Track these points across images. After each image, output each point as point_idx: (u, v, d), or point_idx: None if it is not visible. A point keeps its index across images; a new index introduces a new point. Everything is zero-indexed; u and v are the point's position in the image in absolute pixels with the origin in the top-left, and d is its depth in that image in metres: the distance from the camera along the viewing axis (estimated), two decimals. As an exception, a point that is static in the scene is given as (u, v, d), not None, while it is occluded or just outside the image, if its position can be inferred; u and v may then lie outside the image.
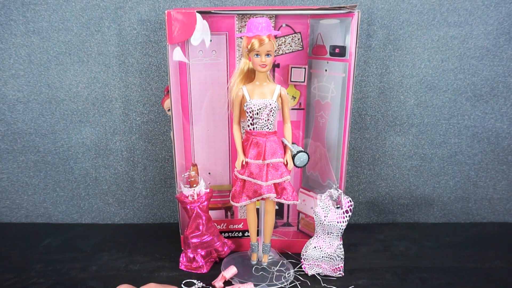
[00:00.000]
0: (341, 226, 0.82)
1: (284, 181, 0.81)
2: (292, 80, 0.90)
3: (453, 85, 1.00)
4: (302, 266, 0.87)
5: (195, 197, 0.84)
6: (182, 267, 0.87)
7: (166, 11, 0.76)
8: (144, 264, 0.89)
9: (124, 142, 1.03)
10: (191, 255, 0.86)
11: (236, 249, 0.94)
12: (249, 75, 0.80)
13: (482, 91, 1.01)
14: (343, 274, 0.85)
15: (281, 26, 0.87)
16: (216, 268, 0.88)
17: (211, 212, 0.89)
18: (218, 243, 0.88)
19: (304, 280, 0.84)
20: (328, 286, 0.82)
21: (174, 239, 0.97)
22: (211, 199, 0.87)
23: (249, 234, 0.89)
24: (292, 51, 0.89)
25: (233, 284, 0.81)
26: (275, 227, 0.93)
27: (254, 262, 0.88)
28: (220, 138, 0.92)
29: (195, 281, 0.82)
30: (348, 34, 0.80)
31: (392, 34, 0.97)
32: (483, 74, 1.00)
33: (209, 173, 0.95)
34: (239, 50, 0.87)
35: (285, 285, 0.82)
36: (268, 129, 0.79)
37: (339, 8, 0.76)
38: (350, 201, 0.83)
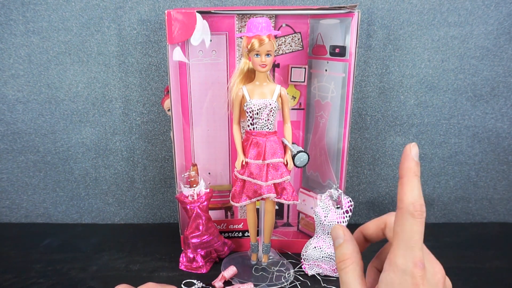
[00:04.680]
0: (341, 226, 0.82)
1: (284, 181, 0.81)
2: (292, 80, 0.90)
3: (453, 85, 1.00)
4: (302, 266, 0.87)
5: (195, 197, 0.84)
6: (182, 267, 0.87)
7: (166, 11, 0.76)
8: (144, 264, 0.89)
9: (124, 142, 1.03)
10: (191, 255, 0.86)
11: (236, 249, 0.94)
12: (249, 75, 0.80)
13: (482, 91, 1.01)
14: (343, 274, 0.85)
15: (281, 26, 0.87)
16: (216, 268, 0.88)
17: (211, 212, 0.89)
18: (218, 243, 0.88)
19: (304, 280, 0.84)
20: (328, 286, 0.82)
21: (174, 239, 0.97)
22: (211, 199, 0.87)
23: (249, 234, 0.89)
24: (292, 51, 0.89)
25: (233, 284, 0.81)
26: (275, 227, 0.93)
27: (254, 262, 0.88)
28: (220, 138, 0.92)
29: (195, 281, 0.82)
30: (348, 34, 0.80)
31: (392, 34, 0.97)
32: (483, 74, 1.00)
33: (209, 173, 0.95)
34: (239, 50, 0.87)
35: (285, 285, 0.82)
36: (268, 129, 0.79)
37: (339, 8, 0.76)
38: (350, 201, 0.83)
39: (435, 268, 0.34)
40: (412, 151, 0.34)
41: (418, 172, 0.34)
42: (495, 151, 1.05)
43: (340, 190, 0.84)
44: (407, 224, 0.32)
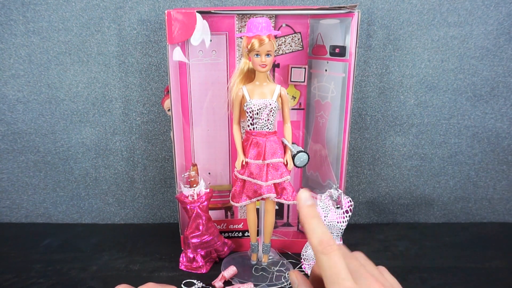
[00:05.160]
0: (341, 226, 0.82)
1: (284, 181, 0.81)
2: (292, 80, 0.90)
3: (453, 85, 1.00)
4: (302, 266, 0.87)
5: (195, 197, 0.84)
6: (182, 267, 0.87)
7: (166, 11, 0.76)
8: (144, 264, 0.89)
9: (124, 142, 1.03)
10: (191, 255, 0.86)
11: (236, 249, 0.94)
12: (249, 75, 0.80)
13: (482, 91, 1.01)
14: (343, 274, 0.85)
15: (281, 26, 0.87)
16: (216, 268, 0.88)
17: (211, 212, 0.89)
18: (218, 243, 0.88)
19: (304, 280, 0.84)
20: (328, 286, 0.82)
21: (174, 239, 0.97)
22: (211, 199, 0.87)
23: (249, 234, 0.89)
24: (292, 51, 0.89)
25: (233, 284, 0.81)
26: (275, 227, 0.93)
27: (254, 262, 0.88)
28: (220, 138, 0.92)
29: (195, 281, 0.82)
30: (348, 34, 0.80)
31: (392, 34, 0.97)
32: (483, 74, 1.00)
33: (209, 173, 0.95)
34: (239, 50, 0.87)
35: (285, 285, 0.82)
36: (268, 129, 0.79)
37: (339, 8, 0.76)
38: (350, 201, 0.83)
39: None
40: (302, 198, 0.35)
41: (314, 212, 0.35)
42: (494, 151, 1.05)
43: (340, 190, 0.84)
44: (324, 263, 0.33)
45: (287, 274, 0.84)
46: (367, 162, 1.06)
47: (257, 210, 0.86)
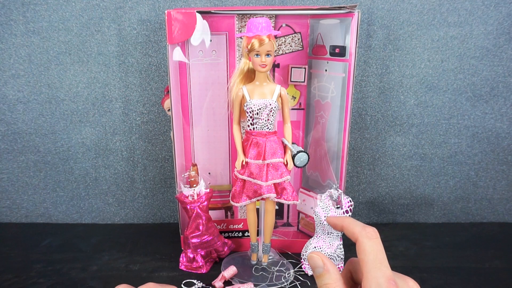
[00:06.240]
0: (341, 226, 0.82)
1: (284, 181, 0.81)
2: (292, 80, 0.90)
3: (453, 85, 1.00)
4: (302, 266, 0.87)
5: (195, 197, 0.84)
6: (182, 267, 0.87)
7: (166, 11, 0.76)
8: (144, 264, 0.89)
9: (124, 142, 1.03)
10: (191, 255, 0.86)
11: (236, 249, 0.94)
12: (249, 75, 0.80)
13: (482, 91, 1.01)
14: (343, 274, 0.85)
15: (281, 26, 0.87)
16: (216, 268, 0.88)
17: (211, 212, 0.89)
18: (218, 243, 0.88)
19: (304, 280, 0.84)
20: (328, 286, 0.82)
21: (174, 239, 0.97)
22: (211, 199, 0.87)
23: (249, 234, 0.89)
24: (292, 51, 0.89)
25: (233, 284, 0.81)
26: (275, 227, 0.93)
27: (254, 262, 0.88)
28: (220, 138, 0.92)
29: (195, 281, 0.82)
30: (348, 34, 0.80)
31: (392, 34, 0.97)
32: (483, 74, 1.00)
33: (209, 173, 0.95)
34: (239, 50, 0.87)
35: (285, 285, 0.82)
36: (268, 129, 0.79)
37: (339, 8, 0.76)
38: (350, 201, 0.83)
39: (409, 283, 0.35)
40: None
41: (348, 217, 0.39)
42: (494, 151, 1.05)
43: (340, 190, 0.84)
44: (367, 247, 0.34)
45: (287, 275, 0.84)
46: (367, 162, 1.06)
47: (257, 210, 0.86)
